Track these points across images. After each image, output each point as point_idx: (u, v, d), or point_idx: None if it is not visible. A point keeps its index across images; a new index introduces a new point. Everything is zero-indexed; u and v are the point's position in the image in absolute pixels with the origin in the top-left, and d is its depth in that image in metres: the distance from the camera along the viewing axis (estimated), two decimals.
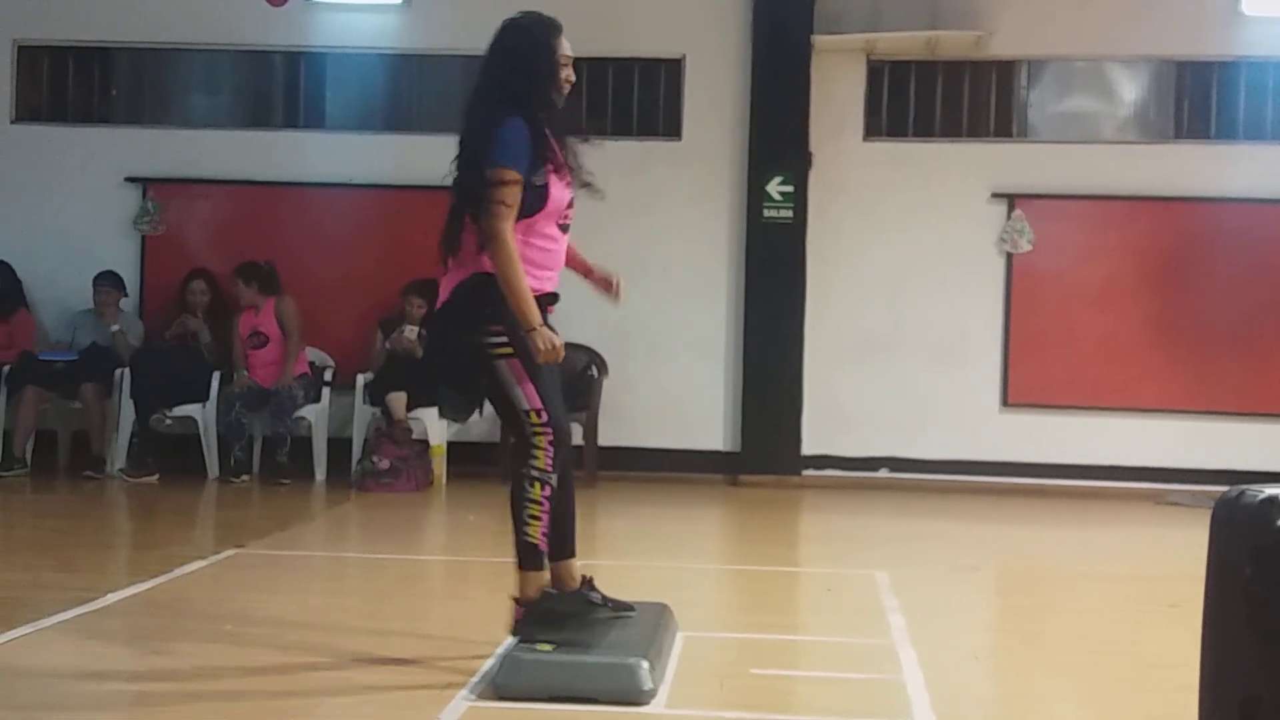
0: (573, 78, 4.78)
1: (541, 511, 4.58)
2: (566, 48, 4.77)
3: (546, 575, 4.67)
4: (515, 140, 4.55)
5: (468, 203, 4.61)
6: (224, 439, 9.79)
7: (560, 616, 4.62)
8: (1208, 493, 8.20)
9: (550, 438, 4.58)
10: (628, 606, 4.88)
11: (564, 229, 4.77)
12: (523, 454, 4.62)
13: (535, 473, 4.58)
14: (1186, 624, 3.26)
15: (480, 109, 4.69)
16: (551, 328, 4.60)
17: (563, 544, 4.84)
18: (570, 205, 4.78)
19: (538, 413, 4.58)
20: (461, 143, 4.71)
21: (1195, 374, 10.23)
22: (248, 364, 10.01)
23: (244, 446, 9.76)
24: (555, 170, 4.67)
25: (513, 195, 4.52)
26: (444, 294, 4.71)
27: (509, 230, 4.51)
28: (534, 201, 4.60)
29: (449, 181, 4.72)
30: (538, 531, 4.59)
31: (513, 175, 4.53)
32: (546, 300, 4.71)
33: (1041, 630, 5.91)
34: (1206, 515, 3.07)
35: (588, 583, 4.88)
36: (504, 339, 4.56)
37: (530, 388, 4.58)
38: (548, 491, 4.58)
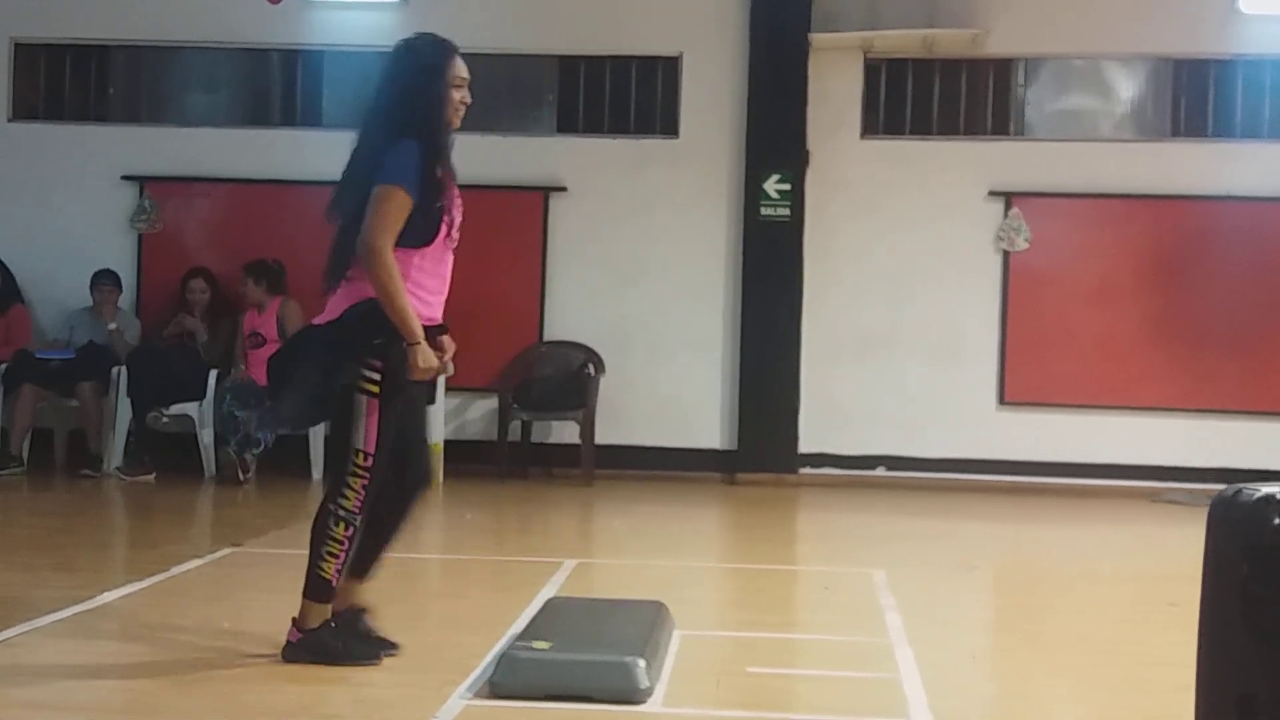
0: (468, 100, 4.73)
1: (341, 550, 4.62)
2: (461, 69, 4.73)
3: (329, 610, 4.69)
4: (406, 161, 4.53)
5: (354, 223, 4.59)
6: (220, 437, 9.75)
7: (331, 650, 4.65)
8: (1205, 491, 8.21)
9: (366, 481, 4.61)
10: (391, 644, 4.80)
11: (452, 250, 4.76)
12: (334, 489, 4.65)
13: (342, 512, 4.62)
14: (1185, 623, 3.25)
15: (371, 131, 4.68)
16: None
17: (365, 565, 4.81)
18: (457, 226, 4.76)
19: (366, 455, 4.60)
20: (350, 163, 4.69)
21: (1193, 372, 10.23)
22: (247, 362, 9.98)
23: (240, 441, 9.68)
24: (449, 192, 4.66)
25: (398, 214, 4.50)
26: (333, 312, 4.66)
27: (389, 247, 4.49)
28: (432, 226, 4.59)
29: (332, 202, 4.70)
30: (332, 568, 4.63)
31: (400, 194, 4.51)
32: (436, 331, 4.72)
33: (1039, 629, 5.91)
34: (1204, 514, 3.07)
35: (361, 612, 4.81)
36: (377, 376, 4.56)
37: (374, 431, 4.59)
38: (350, 531, 4.63)
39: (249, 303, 10.03)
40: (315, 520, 4.67)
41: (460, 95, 4.71)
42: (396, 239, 4.53)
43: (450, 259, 4.76)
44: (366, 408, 4.58)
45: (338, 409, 4.63)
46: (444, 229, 4.64)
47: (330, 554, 4.63)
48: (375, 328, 4.56)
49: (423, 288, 4.63)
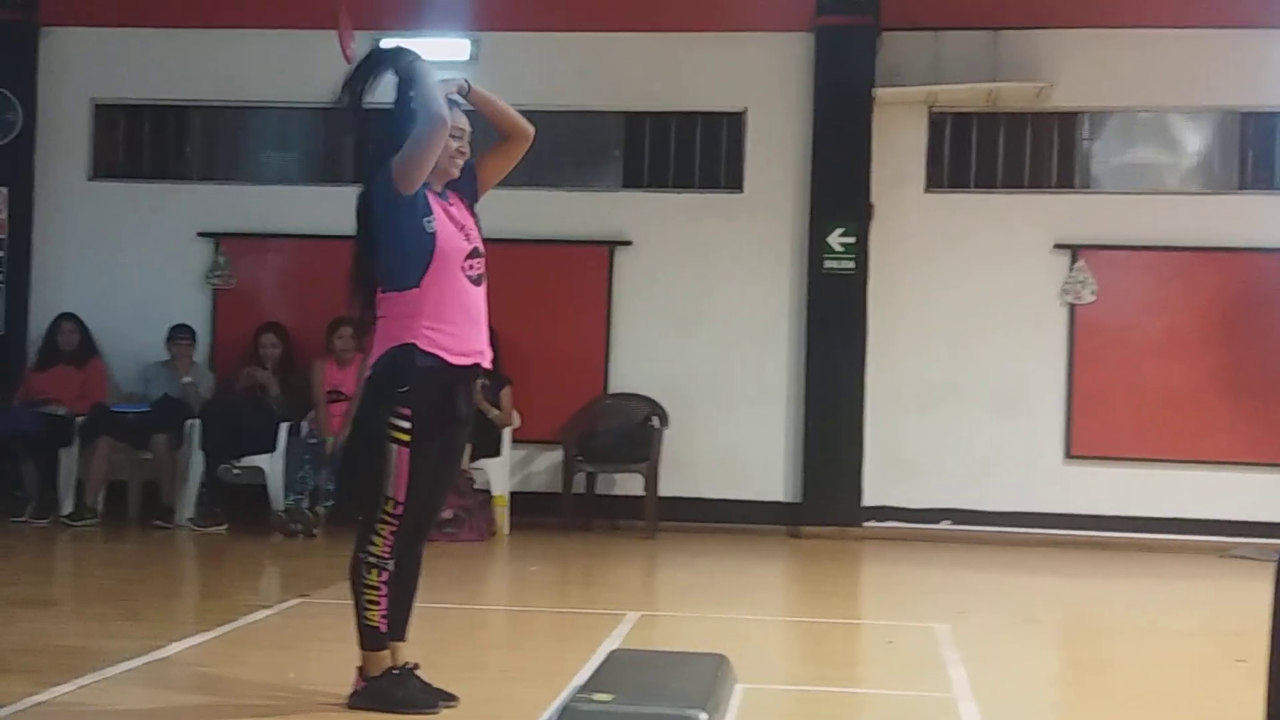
0: (466, 150, 4.82)
1: (380, 596, 4.69)
2: (459, 120, 4.80)
3: (388, 655, 4.75)
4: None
5: (371, 279, 4.71)
6: (288, 488, 9.80)
7: (393, 698, 4.69)
8: (1274, 546, 8.09)
9: (395, 528, 4.67)
10: (450, 696, 4.83)
11: (475, 281, 4.79)
12: (364, 536, 4.71)
13: (373, 559, 4.69)
14: (1253, 679, 3.24)
15: (367, 177, 4.79)
16: (466, 401, 4.76)
17: (399, 626, 4.86)
18: (473, 256, 4.78)
19: (396, 504, 4.67)
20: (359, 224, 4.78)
21: (1261, 426, 10.11)
22: (324, 417, 9.98)
23: (310, 497, 9.75)
24: (444, 220, 4.71)
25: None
26: (367, 371, 4.77)
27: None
28: (423, 250, 4.63)
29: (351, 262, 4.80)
30: (377, 615, 4.70)
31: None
32: (472, 374, 4.76)
33: (1105, 684, 5.85)
34: (1272, 568, 3.06)
35: (413, 668, 4.84)
36: (407, 424, 4.63)
37: (405, 480, 4.65)
38: (385, 576, 4.70)
39: (331, 356, 10.06)
40: (350, 571, 4.75)
41: (457, 145, 4.80)
42: (398, 284, 4.64)
43: (475, 293, 4.78)
44: (398, 457, 4.65)
45: (367, 456, 4.69)
46: (439, 247, 4.64)
47: (371, 602, 4.70)
48: (401, 377, 4.64)
49: (445, 320, 4.67)
